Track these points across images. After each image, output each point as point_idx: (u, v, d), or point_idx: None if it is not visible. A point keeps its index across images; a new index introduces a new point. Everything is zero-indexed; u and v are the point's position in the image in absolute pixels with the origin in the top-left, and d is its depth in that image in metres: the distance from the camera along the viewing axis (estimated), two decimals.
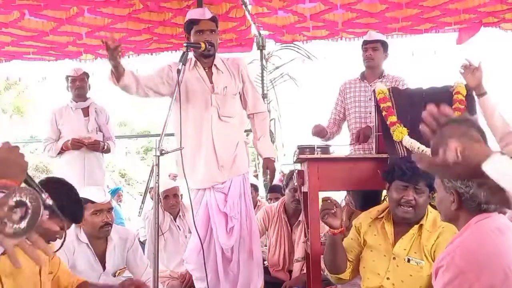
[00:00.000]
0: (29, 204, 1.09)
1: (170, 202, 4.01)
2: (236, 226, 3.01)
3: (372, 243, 2.48)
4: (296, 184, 3.85)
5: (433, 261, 2.27)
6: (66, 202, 2.01)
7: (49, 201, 1.42)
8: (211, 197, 3.03)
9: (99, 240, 2.90)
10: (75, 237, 2.84)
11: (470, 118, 1.30)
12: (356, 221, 2.62)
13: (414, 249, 2.35)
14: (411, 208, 2.36)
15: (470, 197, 1.61)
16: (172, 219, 4.03)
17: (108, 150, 4.34)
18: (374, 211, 2.59)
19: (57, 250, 1.97)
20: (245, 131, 3.52)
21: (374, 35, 3.75)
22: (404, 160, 2.50)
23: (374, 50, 3.67)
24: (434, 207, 2.46)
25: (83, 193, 2.81)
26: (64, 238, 1.93)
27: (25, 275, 2.01)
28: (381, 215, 2.52)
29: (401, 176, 2.37)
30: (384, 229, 2.47)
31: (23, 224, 1.08)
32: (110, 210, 2.91)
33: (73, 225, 2.85)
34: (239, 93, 3.17)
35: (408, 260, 2.33)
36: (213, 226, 3.01)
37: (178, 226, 4.01)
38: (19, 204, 1.09)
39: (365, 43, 3.71)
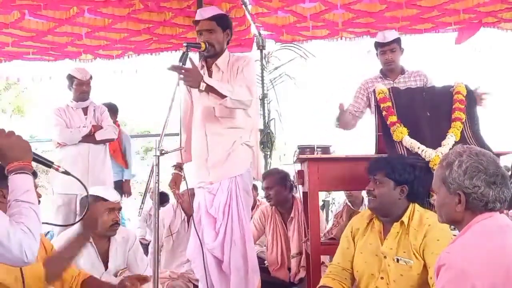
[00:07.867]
0: None
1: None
2: (222, 229, 2.93)
3: (362, 244, 2.47)
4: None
5: (422, 259, 2.27)
6: None
7: (62, 169, 1.77)
8: (200, 197, 3.03)
9: (103, 239, 2.90)
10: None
11: None
12: (348, 227, 2.58)
13: (403, 248, 2.33)
14: (372, 198, 2.43)
15: (479, 197, 1.60)
16: (185, 219, 3.91)
17: (108, 138, 4.27)
18: (366, 213, 2.56)
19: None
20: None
21: (389, 36, 3.52)
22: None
23: (392, 52, 3.51)
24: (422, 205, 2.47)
25: (94, 191, 2.84)
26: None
27: (4, 268, 1.88)
28: (373, 216, 2.52)
29: (367, 169, 2.51)
30: (374, 228, 2.47)
31: None
32: (119, 210, 2.93)
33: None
34: None
35: (397, 260, 2.32)
36: (202, 226, 2.99)
37: (186, 227, 3.93)
38: None
39: (381, 45, 3.52)
